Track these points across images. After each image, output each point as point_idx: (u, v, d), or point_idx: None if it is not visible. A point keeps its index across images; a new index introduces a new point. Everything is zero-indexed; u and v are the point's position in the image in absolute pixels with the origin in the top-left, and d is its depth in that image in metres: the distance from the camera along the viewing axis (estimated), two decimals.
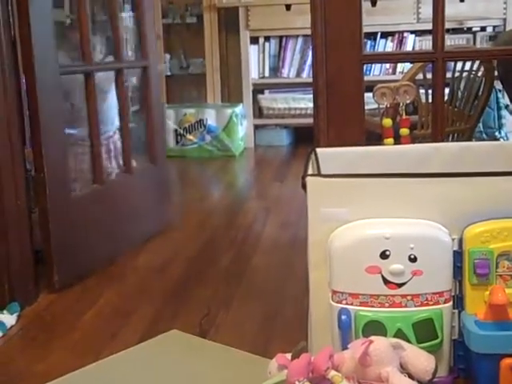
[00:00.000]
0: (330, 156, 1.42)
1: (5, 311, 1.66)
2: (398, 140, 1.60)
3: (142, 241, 2.23)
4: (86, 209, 1.98)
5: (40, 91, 1.79)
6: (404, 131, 1.58)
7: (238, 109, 4.25)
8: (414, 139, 1.69)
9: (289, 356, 1.07)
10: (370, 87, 1.69)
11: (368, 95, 1.64)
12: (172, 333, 1.55)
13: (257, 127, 4.46)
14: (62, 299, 1.81)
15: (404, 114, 1.60)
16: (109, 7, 1.93)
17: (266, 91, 4.47)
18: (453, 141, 2.47)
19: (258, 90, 4.49)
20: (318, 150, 1.43)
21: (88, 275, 1.94)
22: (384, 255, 1.15)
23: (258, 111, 4.52)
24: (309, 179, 1.22)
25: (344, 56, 1.62)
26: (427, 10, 4.00)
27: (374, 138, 1.79)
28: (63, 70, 1.92)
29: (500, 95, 3.43)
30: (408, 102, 1.58)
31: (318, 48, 1.62)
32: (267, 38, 4.46)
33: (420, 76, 2.54)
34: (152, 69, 2.35)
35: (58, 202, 1.85)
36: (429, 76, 2.12)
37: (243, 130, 4.28)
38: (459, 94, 2.69)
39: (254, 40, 4.46)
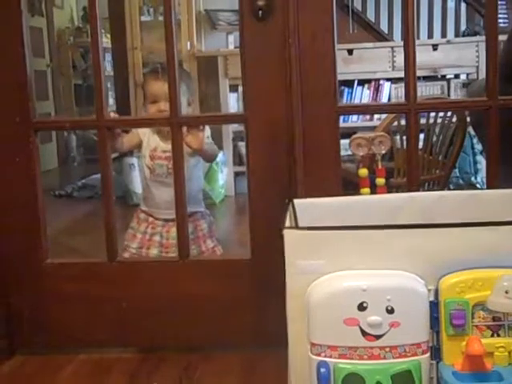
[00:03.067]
0: (307, 207, 1.44)
1: None
2: (374, 189, 1.63)
3: None
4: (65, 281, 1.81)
5: None
6: (380, 181, 1.61)
7: (219, 156, 4.27)
8: (390, 188, 1.72)
9: None
10: (348, 134, 1.72)
11: (346, 142, 1.67)
12: None
13: (237, 175, 4.48)
14: (38, 355, 1.77)
15: (380, 164, 1.63)
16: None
17: None
18: (428, 188, 2.51)
19: (238, 137, 4.53)
20: (296, 200, 1.45)
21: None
22: (361, 307, 1.15)
23: (239, 158, 4.55)
24: (286, 231, 1.22)
25: (319, 107, 1.65)
26: (401, 59, 4.10)
27: (350, 186, 1.82)
28: (38, 126, 1.80)
29: (475, 141, 3.49)
30: (383, 152, 1.61)
31: (294, 99, 1.65)
32: None
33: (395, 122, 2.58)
34: None
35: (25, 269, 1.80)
36: (403, 123, 2.16)
37: (224, 177, 4.30)
38: (434, 141, 2.74)
39: (234, 88, 4.52)
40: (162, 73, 2.13)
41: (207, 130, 2.12)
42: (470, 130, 2.92)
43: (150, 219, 2.21)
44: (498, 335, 1.14)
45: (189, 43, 4.60)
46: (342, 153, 1.69)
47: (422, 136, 2.59)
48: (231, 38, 4.98)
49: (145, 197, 2.26)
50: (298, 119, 1.64)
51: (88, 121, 1.94)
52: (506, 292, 1.11)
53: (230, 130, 4.45)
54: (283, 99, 1.66)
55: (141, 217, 2.23)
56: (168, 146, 2.13)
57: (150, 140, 2.19)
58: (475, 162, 3.45)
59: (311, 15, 1.62)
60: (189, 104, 2.15)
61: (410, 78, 1.60)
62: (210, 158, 2.29)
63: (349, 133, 1.78)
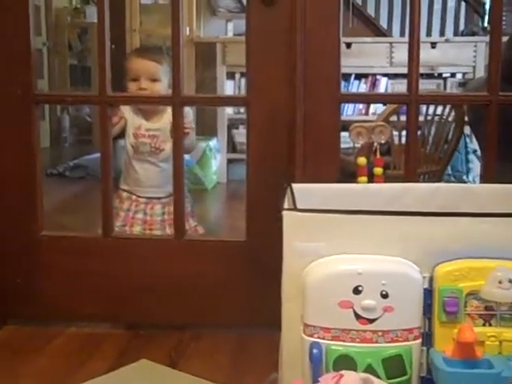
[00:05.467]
0: (304, 192, 1.45)
1: None
2: (371, 179, 1.64)
3: None
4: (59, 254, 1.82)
5: None
6: (378, 170, 1.62)
7: (213, 143, 4.28)
8: (386, 179, 1.73)
9: None
10: (343, 127, 1.73)
11: (342, 134, 1.68)
12: (141, 362, 1.54)
13: (230, 162, 4.49)
14: (28, 326, 1.78)
15: (378, 153, 1.64)
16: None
17: (241, 126, 4.52)
18: (423, 182, 2.53)
19: (233, 124, 4.54)
20: (294, 185, 1.46)
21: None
22: (357, 290, 1.16)
23: (232, 146, 4.55)
24: (285, 213, 1.23)
25: (322, 94, 1.66)
26: (400, 55, 4.13)
27: (347, 175, 1.83)
28: (39, 99, 1.84)
29: (468, 140, 3.52)
30: (383, 141, 1.62)
31: (297, 84, 1.66)
32: (243, 74, 4.53)
33: (394, 117, 2.60)
34: None
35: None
36: (402, 118, 2.17)
37: (216, 164, 4.30)
38: (430, 137, 2.76)
39: (231, 75, 4.52)
40: (145, 52, 2.13)
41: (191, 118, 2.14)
42: (464, 129, 2.94)
43: (134, 197, 2.23)
44: (490, 325, 1.16)
45: (188, 28, 4.59)
46: None
47: (419, 132, 2.62)
48: (230, 25, 4.97)
49: (127, 175, 2.26)
50: (300, 105, 1.65)
51: (90, 96, 1.94)
52: (500, 282, 1.12)
53: (225, 117, 4.45)
54: (286, 85, 1.67)
55: (123, 195, 2.24)
56: (152, 125, 2.18)
57: (134, 119, 2.19)
58: (467, 161, 3.47)
59: (318, 1, 1.63)
60: (169, 86, 2.17)
61: (412, 70, 1.62)
62: (187, 149, 2.25)
63: (344, 125, 1.79)
